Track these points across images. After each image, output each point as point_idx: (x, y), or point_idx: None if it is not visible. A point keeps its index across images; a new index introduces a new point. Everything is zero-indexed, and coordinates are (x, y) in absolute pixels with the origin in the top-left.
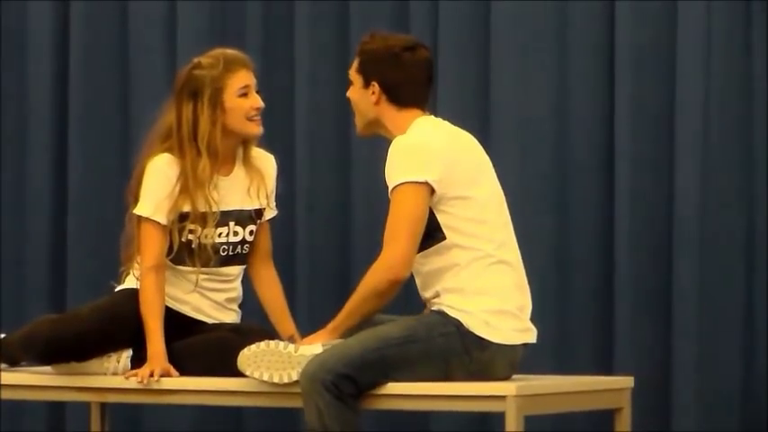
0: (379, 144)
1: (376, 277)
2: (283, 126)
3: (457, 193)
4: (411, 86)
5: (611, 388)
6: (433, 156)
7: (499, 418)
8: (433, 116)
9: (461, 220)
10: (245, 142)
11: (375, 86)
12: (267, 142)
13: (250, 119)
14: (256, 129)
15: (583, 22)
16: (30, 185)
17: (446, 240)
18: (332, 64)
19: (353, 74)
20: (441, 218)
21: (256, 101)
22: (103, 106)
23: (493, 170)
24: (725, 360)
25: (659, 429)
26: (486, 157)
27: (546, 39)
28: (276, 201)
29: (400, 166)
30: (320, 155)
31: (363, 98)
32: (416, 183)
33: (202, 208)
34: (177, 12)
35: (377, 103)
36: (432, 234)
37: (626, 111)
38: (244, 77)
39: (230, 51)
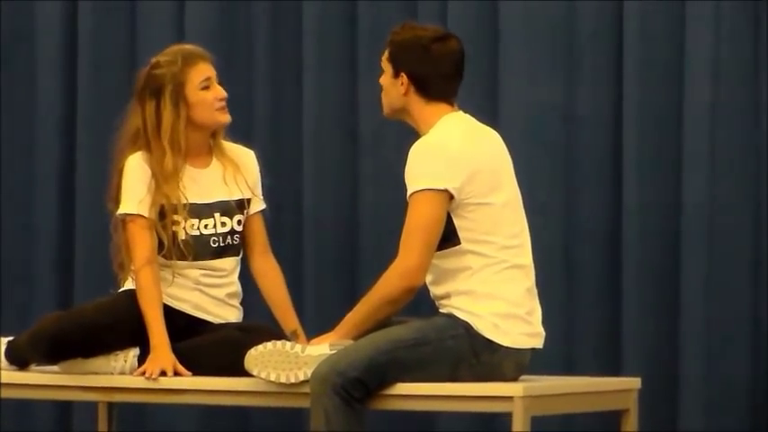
0: (386, 141)
1: (390, 284)
2: (290, 124)
3: (476, 200)
4: (440, 79)
5: (617, 389)
6: (455, 162)
7: (506, 418)
8: (460, 112)
9: (478, 226)
10: (215, 134)
11: (404, 77)
12: (275, 141)
13: (216, 109)
14: (224, 117)
15: (590, 22)
16: (37, 186)
17: (461, 245)
18: (340, 63)
19: (385, 62)
20: (458, 222)
21: (219, 91)
22: (111, 106)
23: (512, 169)
24: (732, 361)
25: (666, 430)
26: (507, 156)
27: (553, 39)
28: (278, 207)
29: (421, 171)
30: (327, 156)
31: (392, 88)
32: (436, 190)
33: (175, 200)
34: (185, 12)
35: (405, 93)
36: (447, 238)
37: (634, 111)
38: (204, 70)
39: (187, 46)
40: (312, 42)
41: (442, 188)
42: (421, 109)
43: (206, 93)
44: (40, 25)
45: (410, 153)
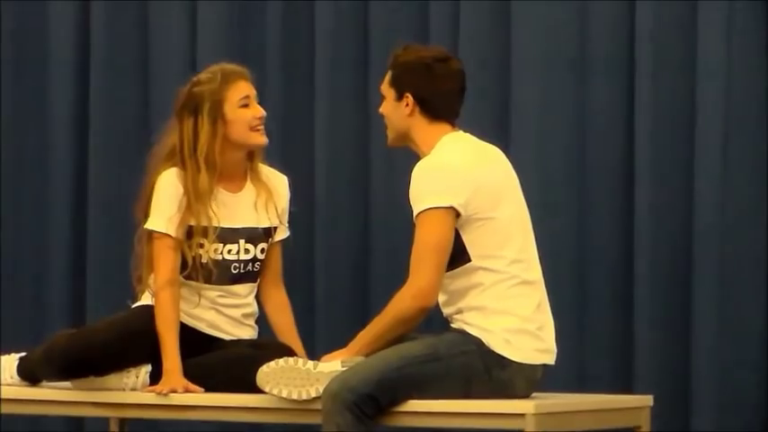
0: (399, 154)
1: (402, 305)
2: (303, 141)
3: (482, 214)
4: (444, 98)
5: (630, 406)
6: (458, 179)
7: None
8: (460, 131)
9: (487, 241)
10: (251, 156)
11: (409, 98)
12: (287, 158)
13: (253, 129)
14: (260, 139)
15: (602, 30)
16: (49, 198)
17: (471, 262)
18: (353, 67)
19: (386, 88)
20: (466, 239)
21: (258, 110)
22: (123, 110)
23: (518, 185)
24: (745, 378)
25: None
26: (512, 172)
27: (565, 45)
28: (290, 221)
29: (425, 191)
30: (340, 170)
31: (396, 111)
32: (442, 208)
33: (204, 222)
34: (197, 15)
35: (410, 114)
36: (458, 256)
37: (646, 122)
38: (243, 88)
39: (227, 65)
40: (325, 45)
41: (447, 205)
42: (424, 129)
43: (244, 111)
44: (53, 27)
45: (413, 174)
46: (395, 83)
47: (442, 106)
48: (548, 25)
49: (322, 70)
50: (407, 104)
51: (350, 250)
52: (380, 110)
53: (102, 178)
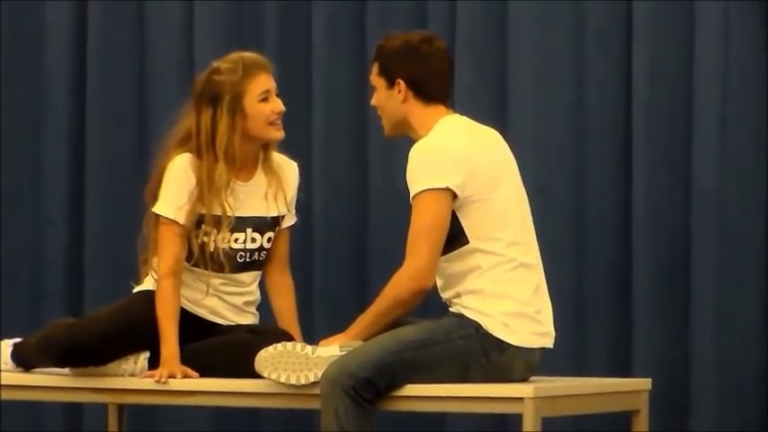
0: (396, 144)
1: (399, 287)
2: (301, 128)
3: (479, 196)
4: (435, 78)
5: (628, 390)
6: (454, 160)
7: (517, 419)
8: (457, 114)
9: (484, 223)
10: (266, 146)
11: (401, 84)
12: (284, 145)
13: (271, 123)
14: (278, 133)
15: (600, 21)
16: (46, 185)
17: (469, 244)
18: (349, 66)
19: (375, 79)
20: (463, 221)
21: (278, 105)
22: (120, 108)
23: (516, 168)
24: (743, 361)
25: (677, 431)
26: (510, 155)
27: (563, 38)
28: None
29: (421, 173)
30: (338, 156)
31: (390, 99)
32: (438, 189)
33: (217, 212)
34: (194, 14)
35: (404, 100)
36: (455, 238)
37: (643, 110)
38: (264, 82)
39: (249, 55)
40: (321, 43)
41: (443, 186)
42: (420, 113)
43: (264, 105)
44: (49, 26)
45: (410, 156)
46: (384, 71)
47: (435, 87)
48: (544, 20)
49: (319, 68)
50: (400, 90)
51: (348, 235)
52: (372, 102)
53: (99, 172)
